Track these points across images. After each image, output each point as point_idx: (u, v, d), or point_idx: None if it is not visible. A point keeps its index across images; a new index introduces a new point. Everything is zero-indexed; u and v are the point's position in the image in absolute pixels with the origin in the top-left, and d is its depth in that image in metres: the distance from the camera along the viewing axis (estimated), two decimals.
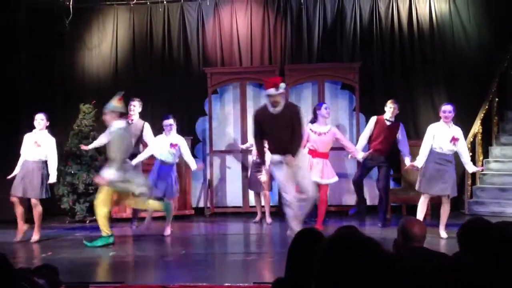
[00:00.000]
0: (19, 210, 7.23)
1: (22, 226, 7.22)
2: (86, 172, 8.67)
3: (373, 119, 7.80)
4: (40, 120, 7.29)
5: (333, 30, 9.40)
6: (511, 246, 2.18)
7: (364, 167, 7.88)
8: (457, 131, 6.93)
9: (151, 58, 9.68)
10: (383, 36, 9.30)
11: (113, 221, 8.60)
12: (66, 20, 9.35)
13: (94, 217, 8.68)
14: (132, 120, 7.89)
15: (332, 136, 7.57)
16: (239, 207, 9.26)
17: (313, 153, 7.45)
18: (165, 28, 9.64)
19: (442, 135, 6.85)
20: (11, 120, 8.97)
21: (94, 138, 8.86)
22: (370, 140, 7.82)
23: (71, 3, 9.21)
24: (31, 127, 7.46)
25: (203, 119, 9.47)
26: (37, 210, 7.18)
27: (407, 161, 7.44)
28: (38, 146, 7.20)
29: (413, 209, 8.26)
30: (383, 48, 9.30)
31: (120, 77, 9.68)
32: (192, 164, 7.65)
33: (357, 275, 1.27)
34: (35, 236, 7.18)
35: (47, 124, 7.39)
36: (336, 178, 7.61)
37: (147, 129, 7.93)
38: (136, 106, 7.96)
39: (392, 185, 8.82)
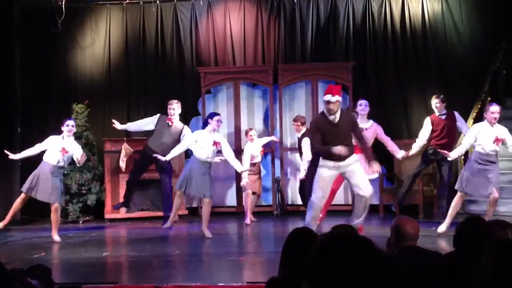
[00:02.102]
0: (17, 206, 7.20)
1: (6, 221, 7.17)
2: (79, 173, 8.65)
3: (427, 120, 7.56)
4: (72, 126, 7.23)
5: (326, 30, 9.42)
6: (505, 246, 2.19)
7: (425, 163, 7.67)
8: (502, 131, 6.73)
9: (144, 58, 9.66)
10: (376, 35, 9.33)
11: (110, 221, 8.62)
12: (58, 20, 9.31)
13: (88, 218, 8.67)
14: (172, 122, 7.86)
15: (374, 132, 7.51)
16: (233, 207, 9.26)
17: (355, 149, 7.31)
18: (158, 28, 9.62)
19: (486, 136, 6.65)
20: (5, 120, 8.92)
21: (87, 138, 8.85)
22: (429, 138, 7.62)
23: (63, 3, 9.18)
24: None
25: (196, 119, 9.46)
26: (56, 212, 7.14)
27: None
28: (66, 152, 7.13)
29: (405, 208, 8.32)
30: (376, 47, 9.33)
31: (113, 77, 9.65)
32: (238, 166, 7.39)
33: (349, 274, 1.28)
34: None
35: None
36: (375, 175, 7.31)
37: (187, 132, 7.82)
38: (175, 109, 7.86)
39: (385, 184, 8.85)
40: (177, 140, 7.74)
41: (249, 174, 8.14)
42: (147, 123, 8.02)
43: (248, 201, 8.22)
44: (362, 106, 7.56)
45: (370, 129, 7.50)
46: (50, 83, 9.65)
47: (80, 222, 8.66)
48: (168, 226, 7.62)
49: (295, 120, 8.18)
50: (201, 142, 7.15)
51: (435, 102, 7.51)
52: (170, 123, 7.85)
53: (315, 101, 9.08)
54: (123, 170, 8.49)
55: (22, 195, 7.13)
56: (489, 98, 8.95)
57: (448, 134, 7.50)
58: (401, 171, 8.66)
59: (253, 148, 8.33)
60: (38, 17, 9.50)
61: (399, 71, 9.27)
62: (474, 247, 2.51)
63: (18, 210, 7.28)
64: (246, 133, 8.50)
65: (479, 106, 8.83)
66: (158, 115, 8.07)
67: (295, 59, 9.44)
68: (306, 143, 7.63)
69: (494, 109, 6.63)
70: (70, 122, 7.26)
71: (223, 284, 4.80)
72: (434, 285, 2.43)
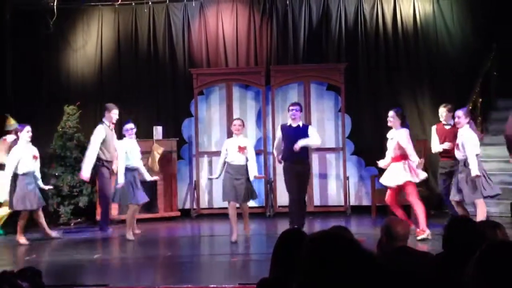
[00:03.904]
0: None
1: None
2: (71, 174, 8.61)
3: (432, 129, 7.42)
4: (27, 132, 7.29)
5: (319, 31, 9.43)
6: (495, 247, 2.20)
7: (442, 178, 7.35)
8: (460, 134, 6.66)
9: (136, 59, 9.63)
10: (368, 37, 9.35)
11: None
12: (50, 21, 9.27)
13: (79, 220, 8.60)
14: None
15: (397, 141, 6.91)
16: (225, 208, 9.22)
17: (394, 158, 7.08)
18: (150, 29, 9.60)
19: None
20: None
21: (79, 140, 8.81)
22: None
23: (55, 4, 9.14)
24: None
25: (189, 121, 9.44)
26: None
27: None
28: (36, 158, 7.30)
29: None
30: (368, 49, 9.35)
31: (105, 78, 9.62)
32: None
33: (336, 274, 1.28)
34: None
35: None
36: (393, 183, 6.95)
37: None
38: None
39: (377, 185, 8.86)
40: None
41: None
42: (99, 140, 7.85)
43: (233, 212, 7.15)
44: (389, 116, 7.01)
45: (393, 139, 6.97)
46: (41, 85, 9.60)
47: (72, 224, 8.61)
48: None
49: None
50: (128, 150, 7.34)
51: (441, 111, 7.27)
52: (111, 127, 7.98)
53: (308, 102, 9.09)
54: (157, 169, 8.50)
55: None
56: (480, 100, 9.00)
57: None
58: None
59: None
60: (30, 18, 9.46)
61: (390, 72, 9.30)
62: (464, 247, 2.52)
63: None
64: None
65: (470, 107, 8.87)
66: (100, 125, 7.99)
67: (287, 61, 9.45)
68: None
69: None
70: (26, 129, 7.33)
71: (215, 285, 4.79)
72: (425, 286, 2.43)
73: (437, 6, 9.30)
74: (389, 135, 7.01)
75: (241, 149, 7.00)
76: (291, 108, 7.16)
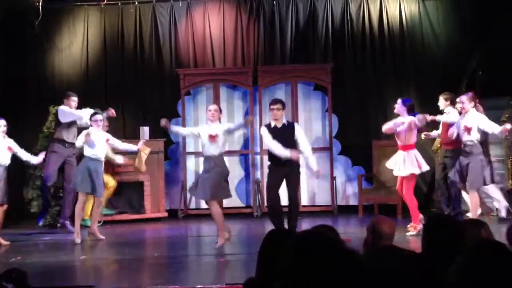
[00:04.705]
0: None
1: None
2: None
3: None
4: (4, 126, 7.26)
5: (305, 31, 9.46)
6: (479, 246, 2.21)
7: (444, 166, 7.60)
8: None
9: (122, 60, 9.59)
10: (355, 37, 9.39)
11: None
12: (35, 21, 9.20)
13: (63, 221, 8.47)
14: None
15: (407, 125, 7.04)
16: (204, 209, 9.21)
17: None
18: (136, 29, 9.56)
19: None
20: None
21: None
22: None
23: (40, 4, 9.07)
24: None
25: (176, 121, 9.41)
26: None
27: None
28: (10, 150, 7.26)
29: (385, 209, 8.39)
30: (354, 49, 9.39)
31: (91, 79, 9.57)
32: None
33: (319, 274, 1.28)
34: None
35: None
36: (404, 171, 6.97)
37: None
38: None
39: (364, 185, 8.91)
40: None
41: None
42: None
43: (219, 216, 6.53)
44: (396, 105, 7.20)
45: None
46: (26, 85, 9.52)
47: (58, 225, 8.54)
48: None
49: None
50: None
51: (440, 100, 7.54)
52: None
53: (295, 102, 9.10)
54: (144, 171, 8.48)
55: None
56: None
57: (442, 134, 7.57)
58: (380, 171, 8.72)
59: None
60: (14, 18, 9.37)
61: (377, 72, 9.35)
62: (441, 246, 2.52)
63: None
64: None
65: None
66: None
67: (275, 61, 9.46)
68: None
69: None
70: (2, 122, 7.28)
71: (202, 286, 4.78)
72: (410, 285, 2.44)
73: (422, 6, 9.37)
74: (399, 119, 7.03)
75: (212, 137, 6.38)
76: (271, 107, 6.61)
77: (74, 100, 8.06)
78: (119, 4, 9.54)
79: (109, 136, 7.51)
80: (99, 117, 7.38)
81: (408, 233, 6.70)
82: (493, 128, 6.69)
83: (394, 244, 2.97)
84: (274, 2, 9.45)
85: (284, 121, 6.67)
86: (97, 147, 7.21)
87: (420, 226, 6.66)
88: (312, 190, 9.16)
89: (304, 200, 9.10)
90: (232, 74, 9.29)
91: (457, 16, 9.33)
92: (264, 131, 6.68)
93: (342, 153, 9.29)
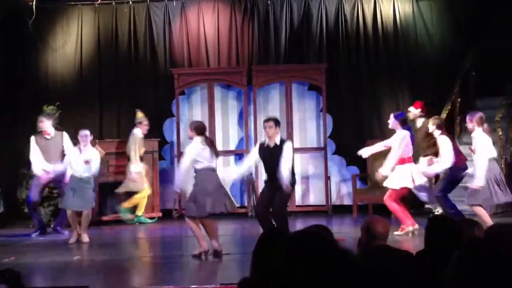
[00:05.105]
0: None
1: None
2: None
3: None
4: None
5: (300, 31, 9.47)
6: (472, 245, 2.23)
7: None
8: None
9: (116, 59, 9.56)
10: (349, 37, 9.41)
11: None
12: (29, 21, 9.16)
13: (56, 227, 8.40)
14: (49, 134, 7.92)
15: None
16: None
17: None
18: (131, 29, 9.54)
19: None
20: None
21: None
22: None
23: (34, 3, 9.04)
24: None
25: (170, 121, 9.41)
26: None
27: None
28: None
29: (379, 208, 8.40)
30: (348, 49, 9.41)
31: (85, 79, 9.54)
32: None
33: (313, 274, 1.29)
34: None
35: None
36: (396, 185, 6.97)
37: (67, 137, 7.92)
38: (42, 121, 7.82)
39: (358, 184, 8.93)
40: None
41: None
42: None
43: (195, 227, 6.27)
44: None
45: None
46: (20, 84, 9.48)
47: (51, 225, 8.51)
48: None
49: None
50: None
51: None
52: (47, 136, 7.80)
53: (289, 102, 9.11)
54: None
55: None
56: (459, 100, 9.12)
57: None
58: (374, 171, 8.72)
59: None
60: (8, 17, 9.33)
61: (371, 72, 9.37)
62: (444, 245, 2.55)
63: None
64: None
65: (449, 107, 8.99)
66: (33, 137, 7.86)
67: (269, 61, 9.47)
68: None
69: None
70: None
71: (197, 286, 4.78)
72: (404, 284, 2.46)
73: (416, 7, 9.40)
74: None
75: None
76: (264, 124, 6.33)
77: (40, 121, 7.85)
78: (113, 3, 9.52)
79: (90, 157, 7.41)
80: (84, 132, 7.39)
81: (395, 233, 6.72)
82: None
83: (388, 244, 2.99)
84: (269, 2, 9.46)
85: (277, 140, 6.24)
86: (76, 165, 7.25)
87: (409, 228, 6.70)
88: (306, 190, 9.17)
89: (299, 200, 9.11)
90: (226, 74, 9.28)
91: (451, 16, 9.36)
92: (254, 150, 6.57)
93: (336, 153, 9.30)
